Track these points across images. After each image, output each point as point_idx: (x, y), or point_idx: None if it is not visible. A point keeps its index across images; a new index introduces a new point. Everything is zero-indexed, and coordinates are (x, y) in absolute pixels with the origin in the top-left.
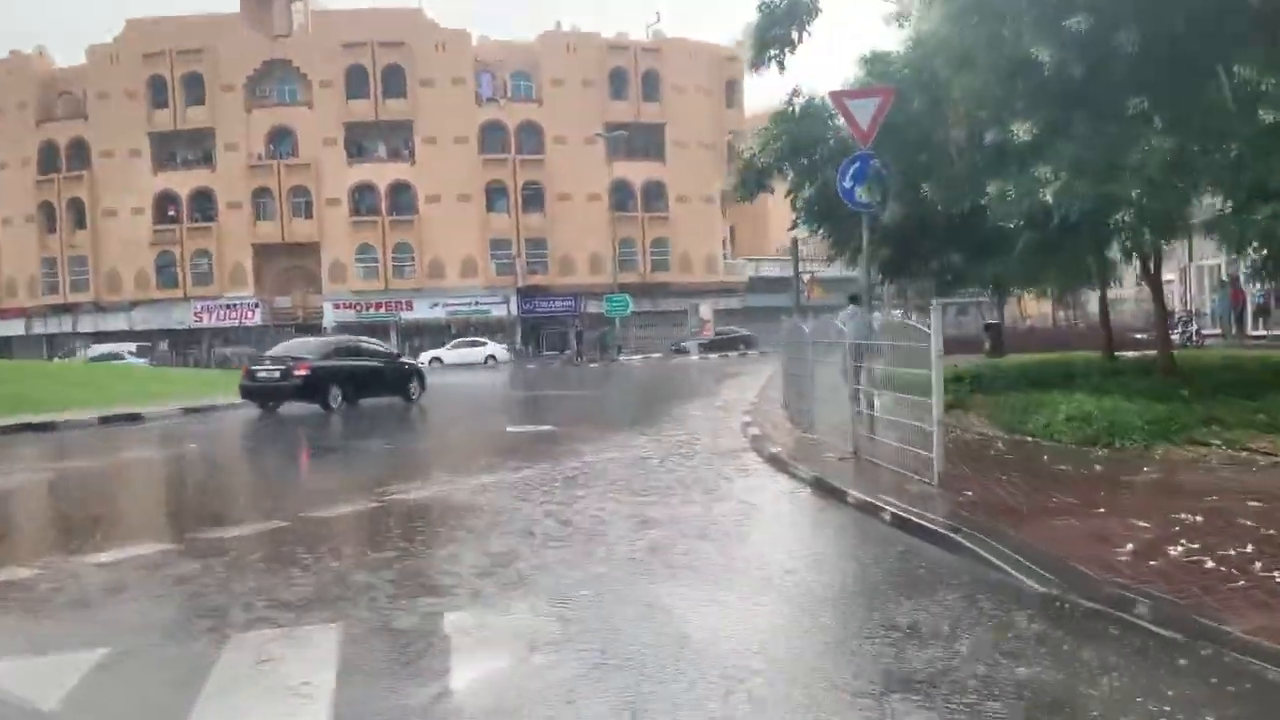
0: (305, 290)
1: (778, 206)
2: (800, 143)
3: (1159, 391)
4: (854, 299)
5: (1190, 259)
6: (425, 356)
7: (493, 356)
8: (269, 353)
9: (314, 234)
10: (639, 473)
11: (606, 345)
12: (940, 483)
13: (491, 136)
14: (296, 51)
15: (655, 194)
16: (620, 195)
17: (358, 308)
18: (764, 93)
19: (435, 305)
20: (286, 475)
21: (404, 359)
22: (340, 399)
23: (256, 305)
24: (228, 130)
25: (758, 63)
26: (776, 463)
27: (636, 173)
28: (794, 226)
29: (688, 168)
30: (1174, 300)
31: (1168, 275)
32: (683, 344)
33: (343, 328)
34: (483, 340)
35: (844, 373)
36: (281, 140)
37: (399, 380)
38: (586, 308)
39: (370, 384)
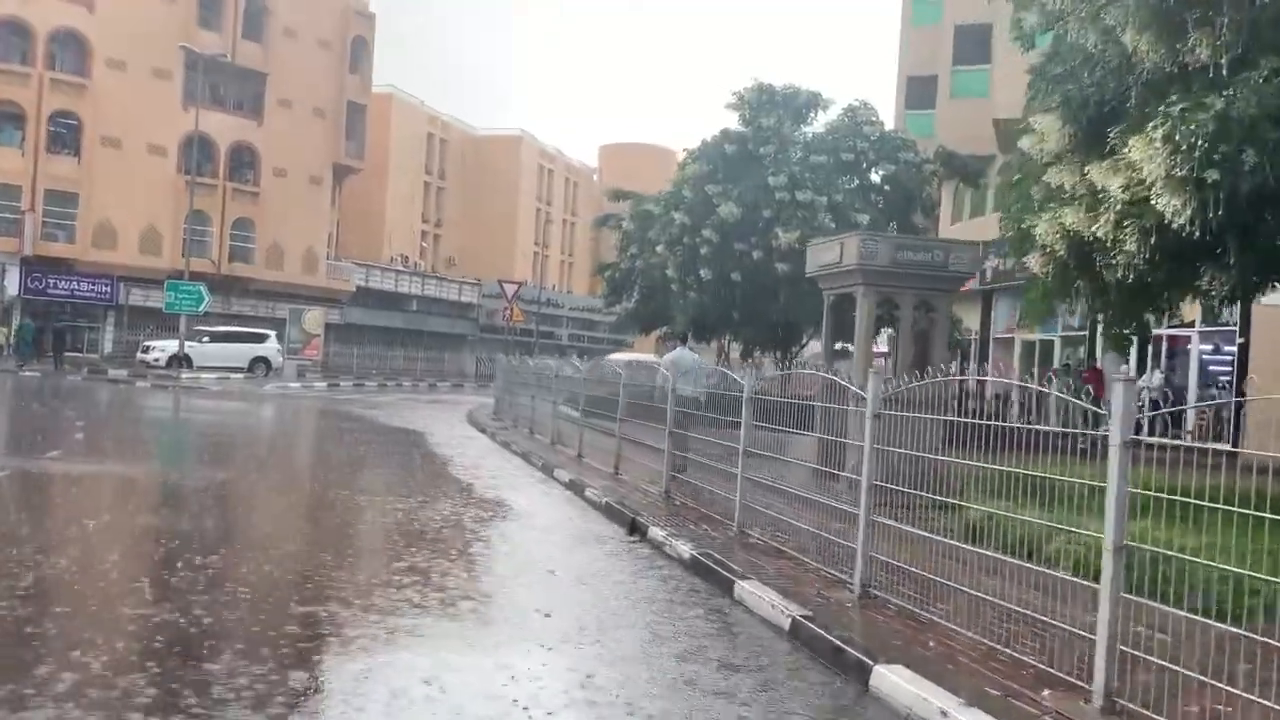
0: None
1: (399, 202)
2: None
3: None
4: (683, 338)
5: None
6: None
7: None
8: None
9: None
10: None
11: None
12: None
13: (8, 40)
14: None
15: (245, 161)
16: (197, 154)
17: None
18: (394, 68)
19: None
20: None
21: None
22: None
23: None
24: None
25: None
26: None
27: (222, 129)
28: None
29: (292, 135)
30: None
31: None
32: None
33: None
34: None
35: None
36: None
37: None
38: (129, 297)
39: None
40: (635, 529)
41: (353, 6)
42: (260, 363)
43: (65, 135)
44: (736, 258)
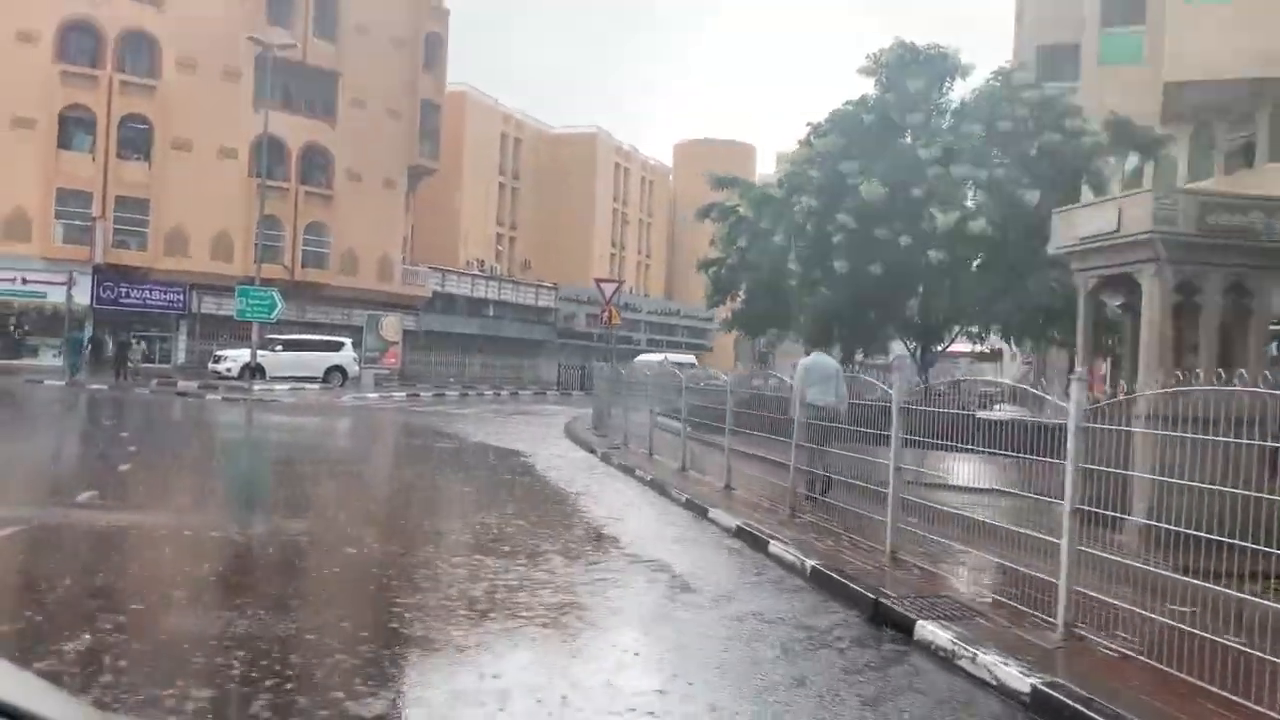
0: None
1: (474, 204)
2: None
3: None
4: (816, 342)
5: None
6: None
7: None
8: None
9: None
10: None
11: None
12: None
13: (78, 42)
14: None
15: (317, 163)
16: (268, 157)
17: None
18: (470, 64)
19: None
20: None
21: None
22: None
23: None
24: None
25: None
26: None
27: (294, 130)
28: None
29: (365, 136)
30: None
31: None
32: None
33: None
34: None
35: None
36: None
37: None
38: (202, 305)
39: None
40: (880, 615)
41: (427, 1)
42: (336, 372)
43: (135, 139)
44: (878, 246)
